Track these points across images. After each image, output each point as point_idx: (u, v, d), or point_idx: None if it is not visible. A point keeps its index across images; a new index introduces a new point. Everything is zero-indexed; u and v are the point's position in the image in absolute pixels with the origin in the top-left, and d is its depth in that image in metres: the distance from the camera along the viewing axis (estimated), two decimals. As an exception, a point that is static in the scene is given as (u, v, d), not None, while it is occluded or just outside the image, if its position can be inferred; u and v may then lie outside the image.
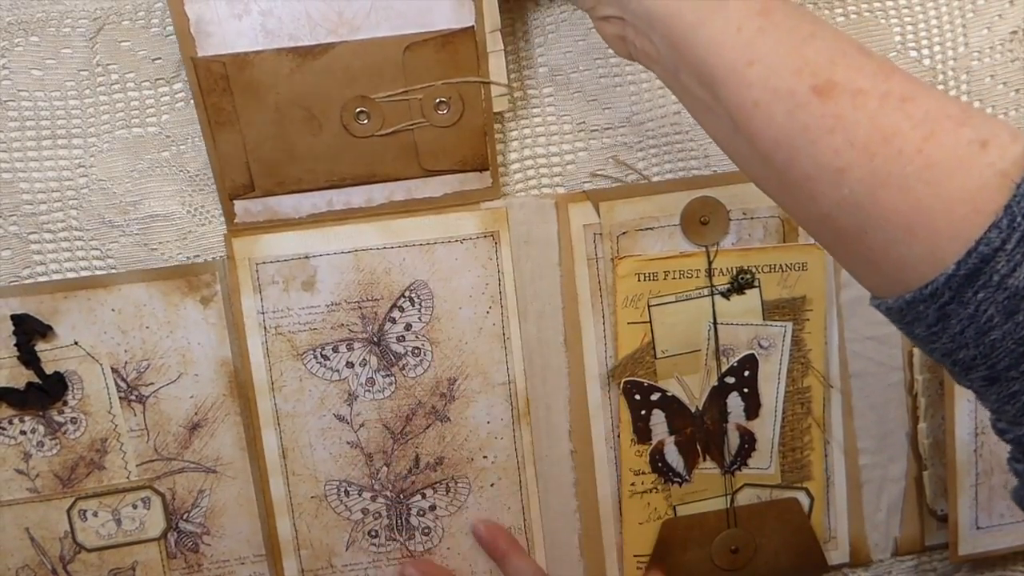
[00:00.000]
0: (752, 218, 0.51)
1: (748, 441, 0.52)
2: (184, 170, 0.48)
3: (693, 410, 0.52)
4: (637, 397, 0.51)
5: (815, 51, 0.33)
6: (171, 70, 0.47)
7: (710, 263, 0.51)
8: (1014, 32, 0.51)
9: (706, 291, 0.51)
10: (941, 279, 0.31)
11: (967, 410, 0.52)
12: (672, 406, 0.51)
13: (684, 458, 0.52)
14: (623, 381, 0.51)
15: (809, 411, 0.53)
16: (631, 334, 0.51)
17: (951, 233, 0.31)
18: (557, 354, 0.51)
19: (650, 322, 0.51)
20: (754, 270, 0.51)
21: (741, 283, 0.51)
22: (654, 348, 0.51)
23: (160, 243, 0.48)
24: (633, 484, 0.52)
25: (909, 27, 0.50)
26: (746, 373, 0.52)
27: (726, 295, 0.51)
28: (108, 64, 0.46)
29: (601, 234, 0.50)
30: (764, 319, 0.51)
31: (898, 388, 0.54)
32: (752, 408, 0.52)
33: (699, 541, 0.52)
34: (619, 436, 0.52)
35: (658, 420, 0.52)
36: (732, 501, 0.53)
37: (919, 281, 0.32)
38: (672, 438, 0.52)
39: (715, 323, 0.51)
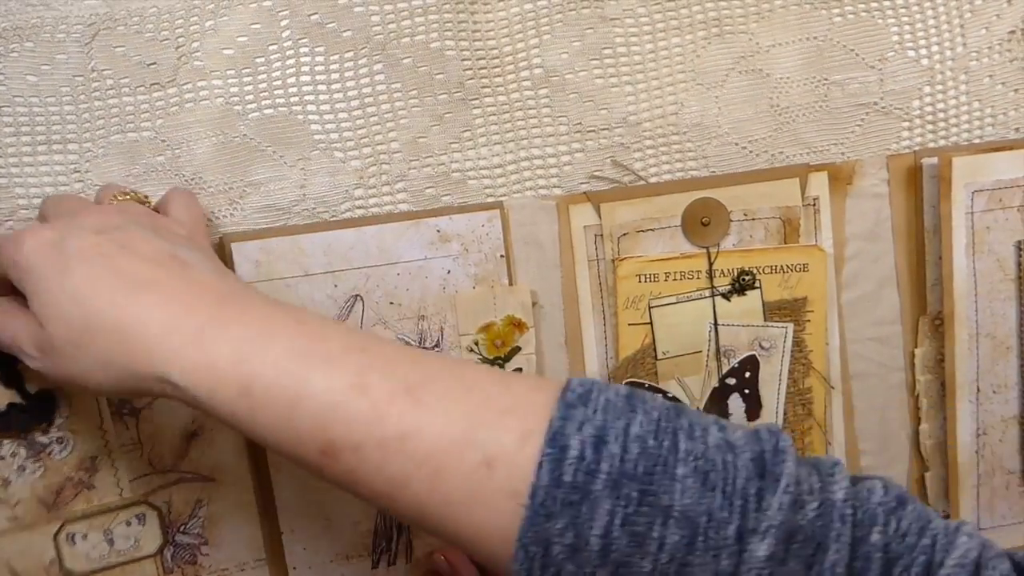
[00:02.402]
0: (753, 219, 0.51)
1: None
2: (179, 174, 0.47)
3: None
4: None
5: (306, 414, 0.33)
6: (166, 74, 0.47)
7: (711, 264, 0.51)
8: (1012, 32, 0.51)
9: (707, 292, 0.51)
10: None
11: (969, 411, 0.53)
12: None
13: None
14: (624, 383, 0.51)
15: (810, 412, 0.52)
16: (632, 335, 0.51)
17: (495, 561, 0.32)
18: (557, 355, 0.51)
19: (651, 323, 0.51)
20: (755, 271, 0.51)
21: (742, 284, 0.51)
22: (655, 349, 0.51)
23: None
24: None
25: (907, 27, 0.50)
26: (747, 374, 0.52)
27: (727, 296, 0.51)
28: (103, 69, 0.46)
29: (602, 235, 0.50)
30: (765, 320, 0.51)
31: (900, 389, 0.54)
32: (753, 409, 0.52)
33: None
34: None
35: None
36: None
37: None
38: None
39: (716, 324, 0.51)
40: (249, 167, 0.48)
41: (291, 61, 0.47)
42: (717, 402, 0.52)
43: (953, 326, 0.51)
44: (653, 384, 0.51)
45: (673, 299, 0.51)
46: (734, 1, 0.49)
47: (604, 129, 0.50)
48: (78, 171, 0.47)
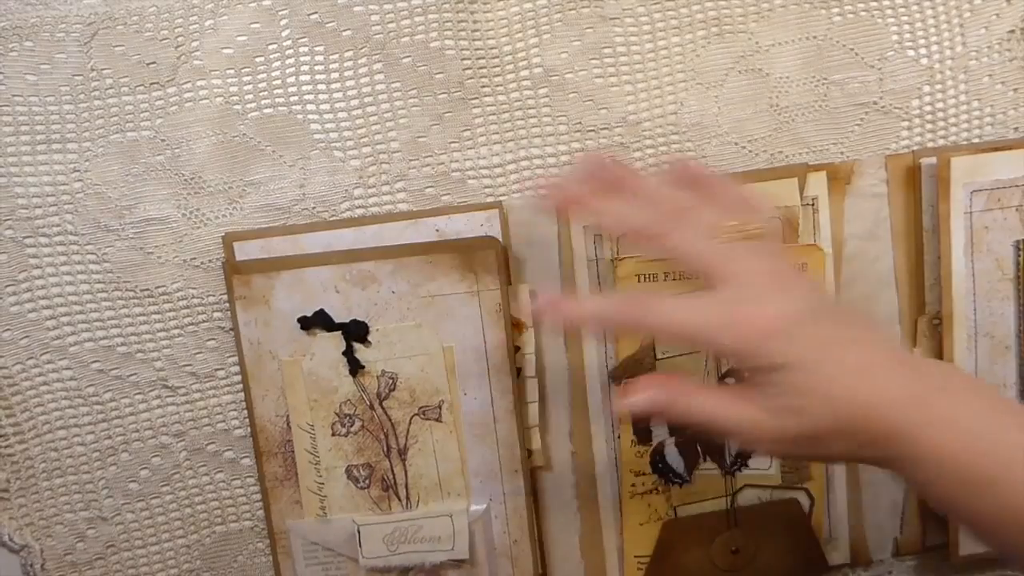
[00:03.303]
0: None
1: None
2: (179, 173, 0.47)
3: None
4: None
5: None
6: (165, 74, 0.47)
7: None
8: (1012, 31, 0.51)
9: None
10: None
11: None
12: None
13: (684, 459, 0.52)
14: (623, 383, 0.51)
15: None
16: (631, 336, 0.51)
17: None
18: (557, 356, 0.51)
19: None
20: None
21: None
22: (654, 350, 0.51)
23: (156, 247, 0.48)
24: (634, 485, 0.52)
25: (906, 26, 0.50)
26: (747, 373, 0.51)
27: None
28: (102, 68, 0.46)
29: (601, 235, 0.50)
30: None
31: None
32: None
33: (699, 542, 0.52)
34: (619, 437, 0.51)
35: (658, 422, 0.51)
36: (733, 502, 0.52)
37: None
38: (672, 439, 0.52)
39: None
40: (249, 166, 0.48)
41: (291, 60, 0.47)
42: None
43: (952, 326, 0.51)
44: None
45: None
46: (734, 1, 0.49)
47: (604, 129, 0.50)
48: (77, 170, 0.47)
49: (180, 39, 0.46)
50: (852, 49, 0.50)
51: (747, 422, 0.37)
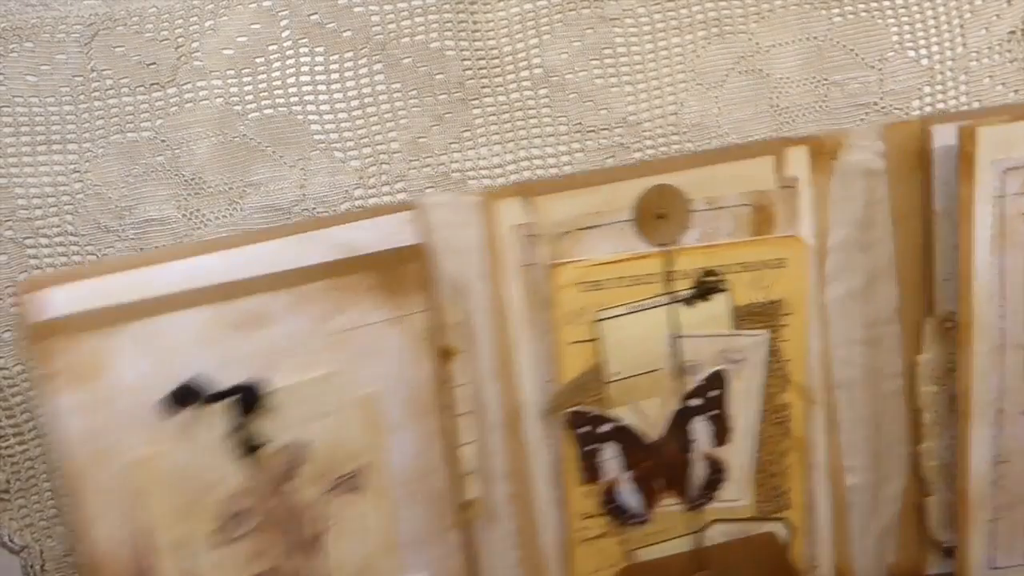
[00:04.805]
0: (719, 208, 0.43)
1: (717, 471, 0.45)
2: (179, 174, 0.47)
3: (652, 440, 0.45)
4: (584, 430, 0.44)
5: None
6: (165, 74, 0.47)
7: (669, 265, 0.43)
8: (1012, 32, 0.51)
9: (665, 299, 0.43)
10: None
11: (987, 436, 0.44)
12: (626, 438, 0.44)
13: (642, 495, 0.45)
14: (566, 413, 0.44)
15: (788, 431, 0.46)
16: (575, 355, 0.43)
17: None
18: (488, 383, 0.44)
19: (598, 340, 0.43)
20: (722, 271, 0.43)
21: (706, 288, 0.43)
22: (604, 371, 0.43)
23: (157, 248, 0.48)
24: (582, 529, 0.45)
25: (907, 27, 0.50)
26: (713, 393, 0.45)
27: (689, 302, 0.43)
28: (102, 69, 0.46)
29: (536, 235, 0.42)
30: (734, 328, 0.44)
31: (896, 399, 0.47)
32: (721, 433, 0.45)
33: None
34: (564, 475, 0.45)
35: (610, 455, 0.45)
36: (699, 540, 0.46)
37: None
38: (627, 475, 0.45)
39: (676, 336, 0.44)
40: (249, 167, 0.48)
41: (291, 61, 0.47)
42: (678, 427, 0.45)
43: (971, 335, 0.43)
44: (602, 412, 0.44)
45: (624, 309, 0.43)
46: (734, 1, 0.49)
47: (604, 129, 0.50)
48: (77, 171, 0.47)
49: (180, 40, 0.46)
50: (852, 50, 0.50)
51: None
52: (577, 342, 0.43)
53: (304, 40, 0.47)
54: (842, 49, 0.50)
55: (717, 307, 0.44)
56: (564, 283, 0.42)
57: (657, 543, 0.46)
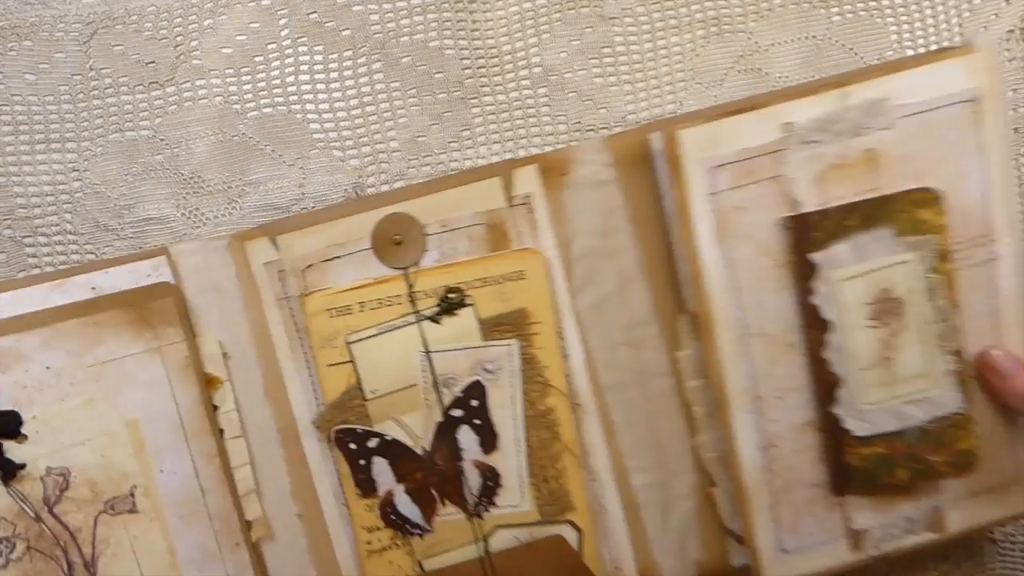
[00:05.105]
0: (452, 230, 0.45)
1: (491, 478, 0.46)
2: (178, 173, 0.47)
3: (420, 452, 0.46)
4: (352, 446, 0.45)
5: None
6: (165, 73, 0.47)
7: (411, 287, 0.45)
8: (1011, 31, 0.51)
9: (412, 318, 0.45)
10: None
11: (749, 423, 0.45)
12: (394, 451, 0.46)
13: (420, 507, 0.46)
14: (333, 431, 0.45)
15: (557, 435, 0.46)
16: (334, 377, 0.45)
17: None
18: (260, 408, 0.45)
19: (353, 361, 0.45)
20: (463, 287, 0.45)
21: (450, 304, 0.45)
22: (361, 389, 0.45)
23: (155, 246, 0.48)
24: (369, 542, 0.46)
25: (905, 26, 0.50)
26: (474, 403, 0.46)
27: (435, 319, 0.45)
28: (101, 68, 0.46)
29: (284, 270, 0.45)
30: (484, 340, 0.45)
31: (667, 396, 0.47)
32: (488, 441, 0.46)
33: None
34: (346, 491, 0.46)
35: (381, 469, 0.46)
36: (486, 548, 0.46)
37: None
38: (401, 487, 0.46)
39: (428, 352, 0.45)
40: (248, 166, 0.48)
41: (290, 60, 0.47)
42: (445, 438, 0.45)
43: (713, 328, 0.44)
44: (367, 428, 0.45)
45: (373, 331, 0.45)
46: (733, 0, 0.49)
47: (603, 128, 0.50)
48: (76, 170, 0.47)
49: (179, 39, 0.46)
50: (852, 49, 0.50)
51: None
52: (334, 364, 0.45)
53: (303, 39, 0.47)
54: (841, 48, 0.50)
55: (465, 321, 0.45)
56: (314, 311, 0.45)
57: (445, 551, 0.46)
